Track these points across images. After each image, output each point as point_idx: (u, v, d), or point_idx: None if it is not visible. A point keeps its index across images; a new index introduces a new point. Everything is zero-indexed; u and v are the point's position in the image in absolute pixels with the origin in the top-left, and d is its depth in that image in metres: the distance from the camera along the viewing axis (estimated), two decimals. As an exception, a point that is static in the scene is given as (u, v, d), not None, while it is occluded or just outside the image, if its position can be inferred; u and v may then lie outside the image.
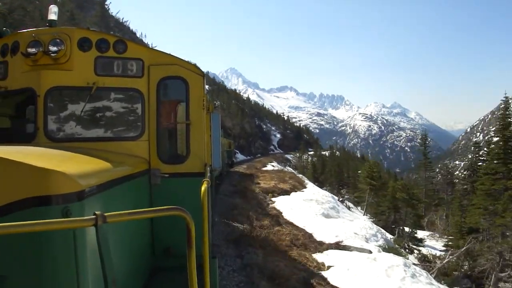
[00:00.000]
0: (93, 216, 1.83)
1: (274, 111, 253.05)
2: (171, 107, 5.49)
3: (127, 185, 4.07)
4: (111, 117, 4.97)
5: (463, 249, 21.96)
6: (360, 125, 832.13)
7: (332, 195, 33.07)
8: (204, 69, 5.94)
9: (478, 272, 21.13)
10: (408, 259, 17.69)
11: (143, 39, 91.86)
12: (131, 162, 4.58)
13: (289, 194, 27.44)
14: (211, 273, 3.19)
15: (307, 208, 22.23)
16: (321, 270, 11.90)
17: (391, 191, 37.97)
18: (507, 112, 33.31)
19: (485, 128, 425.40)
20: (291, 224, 17.70)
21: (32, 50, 4.54)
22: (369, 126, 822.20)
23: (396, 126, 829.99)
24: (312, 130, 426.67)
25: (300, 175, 48.02)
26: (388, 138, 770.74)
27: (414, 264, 15.69)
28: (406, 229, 30.70)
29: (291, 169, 71.91)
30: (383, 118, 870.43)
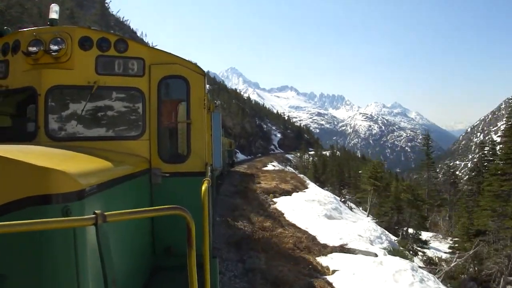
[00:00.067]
0: (93, 215, 1.83)
1: (275, 111, 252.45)
2: (172, 107, 5.50)
3: (128, 184, 4.05)
4: (112, 116, 4.94)
5: (471, 252, 21.41)
6: (361, 125, 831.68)
7: (334, 195, 32.64)
8: (204, 68, 5.89)
9: (486, 275, 20.65)
10: (413, 261, 17.29)
11: (144, 38, 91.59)
12: (131, 162, 4.56)
13: (290, 195, 27.19)
14: (211, 272, 3.20)
15: (309, 209, 21.89)
16: (326, 275, 11.48)
17: (394, 191, 37.44)
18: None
19: (485, 128, 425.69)
20: (294, 225, 17.31)
21: (33, 49, 4.54)
22: (370, 126, 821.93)
23: (396, 126, 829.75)
24: (313, 130, 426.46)
25: (302, 175, 47.57)
26: (388, 138, 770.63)
27: (420, 267, 15.29)
28: (410, 230, 30.26)
29: (291, 169, 71.58)
30: (383, 118, 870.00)
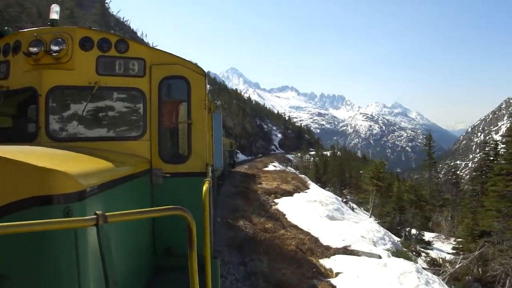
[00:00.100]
0: (94, 216, 1.83)
1: (275, 111, 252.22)
2: (172, 107, 5.48)
3: (129, 184, 4.05)
4: (113, 117, 4.95)
5: (477, 253, 21.13)
6: (361, 125, 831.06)
7: (335, 196, 32.42)
8: (204, 69, 5.86)
9: (490, 276, 20.37)
10: (417, 263, 17.04)
11: (144, 39, 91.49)
12: (132, 162, 4.57)
13: (292, 195, 26.99)
14: (212, 273, 3.23)
15: (311, 209, 21.68)
16: (330, 277, 11.27)
17: (397, 191, 37.11)
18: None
19: (486, 128, 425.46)
20: (296, 227, 17.10)
21: (33, 49, 4.54)
22: (370, 126, 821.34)
23: (397, 126, 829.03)
24: (313, 130, 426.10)
25: (303, 176, 47.32)
26: (389, 138, 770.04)
27: (423, 268, 15.06)
28: (413, 231, 29.97)
29: (292, 169, 71.37)
30: (384, 118, 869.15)
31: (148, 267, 4.82)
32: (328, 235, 15.82)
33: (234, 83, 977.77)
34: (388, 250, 16.09)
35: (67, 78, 4.69)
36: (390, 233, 21.65)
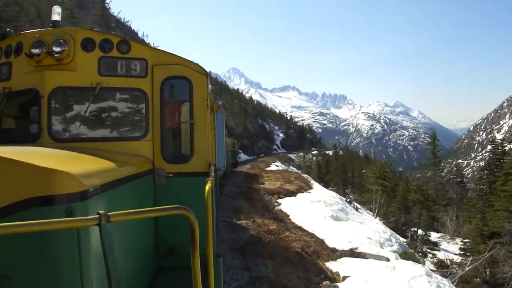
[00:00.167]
0: (97, 216, 1.83)
1: (277, 111, 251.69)
2: (175, 107, 5.52)
3: (131, 184, 4.06)
4: (115, 117, 4.96)
5: (488, 255, 20.62)
6: (363, 124, 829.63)
7: (339, 196, 32.03)
8: (206, 69, 5.78)
9: (501, 278, 19.89)
10: (425, 264, 16.64)
11: (145, 39, 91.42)
12: (135, 162, 4.58)
13: (295, 195, 26.62)
14: (215, 272, 3.28)
15: (315, 210, 21.28)
16: (337, 282, 10.83)
17: (402, 191, 36.58)
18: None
19: (488, 126, 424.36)
20: (300, 228, 16.68)
21: (35, 50, 4.55)
22: (372, 125, 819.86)
23: (398, 125, 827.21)
24: (315, 129, 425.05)
25: (306, 175, 46.94)
26: (391, 137, 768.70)
27: (431, 270, 14.66)
28: (420, 231, 29.50)
29: (295, 169, 71.07)
30: (385, 117, 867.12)
31: (150, 267, 4.85)
32: (333, 237, 15.40)
33: (235, 83, 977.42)
34: (395, 252, 15.68)
35: (69, 79, 4.69)
36: (396, 234, 21.24)
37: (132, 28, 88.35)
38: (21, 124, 5.21)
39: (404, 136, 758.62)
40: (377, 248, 14.79)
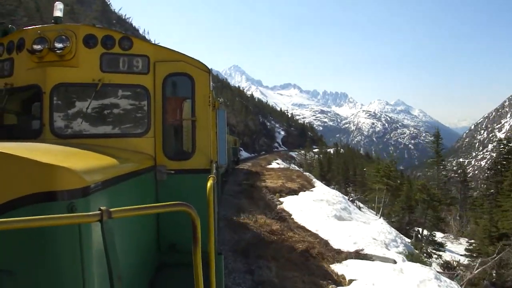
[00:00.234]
0: (98, 212, 1.83)
1: (278, 109, 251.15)
2: (176, 104, 5.48)
3: (133, 181, 4.04)
4: (117, 114, 4.96)
5: (497, 257, 20.14)
6: (364, 123, 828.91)
7: (342, 194, 31.63)
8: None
9: (510, 281, 19.44)
10: (431, 266, 16.21)
11: (146, 36, 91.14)
12: (136, 159, 4.55)
13: (297, 194, 26.36)
14: (216, 269, 3.22)
15: (317, 209, 20.92)
16: (343, 285, 10.43)
17: (406, 190, 36.02)
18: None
19: (489, 125, 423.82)
20: (303, 228, 16.28)
21: (37, 47, 4.52)
22: (373, 123, 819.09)
23: (399, 124, 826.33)
24: (316, 127, 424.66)
25: (307, 173, 46.56)
26: (391, 135, 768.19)
27: (438, 272, 14.26)
28: (425, 232, 29.02)
29: (296, 166, 70.74)
30: (386, 115, 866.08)
31: (152, 264, 4.84)
32: (338, 237, 15.01)
33: (236, 81, 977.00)
34: (401, 253, 15.30)
35: (71, 75, 4.68)
36: (401, 235, 20.84)
37: (133, 24, 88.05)
38: (23, 120, 5.21)
39: (405, 135, 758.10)
40: (383, 249, 14.39)
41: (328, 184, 53.14)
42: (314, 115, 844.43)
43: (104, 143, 4.64)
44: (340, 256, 12.64)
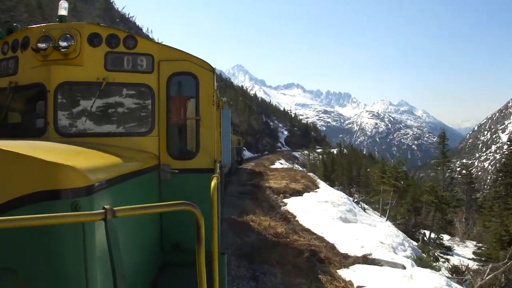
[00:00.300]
0: (102, 210, 1.83)
1: (281, 108, 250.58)
2: (181, 103, 5.53)
3: (137, 180, 4.05)
4: (121, 113, 4.96)
5: (509, 263, 19.61)
6: (367, 123, 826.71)
7: (347, 196, 31.17)
8: None
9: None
10: (440, 270, 15.77)
11: (149, 35, 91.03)
12: (140, 158, 4.57)
13: (301, 195, 25.95)
14: (220, 269, 3.25)
15: (322, 211, 20.48)
16: (350, 292, 9.99)
17: (412, 192, 35.40)
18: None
19: (492, 126, 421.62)
20: (308, 231, 15.83)
21: (42, 45, 4.53)
22: (376, 123, 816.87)
23: (403, 124, 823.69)
24: (319, 127, 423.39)
25: (311, 174, 46.13)
26: (395, 136, 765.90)
27: (447, 277, 13.81)
28: (432, 235, 28.44)
29: (299, 167, 70.33)
30: (390, 116, 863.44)
31: (155, 263, 4.86)
32: (344, 241, 14.55)
33: (240, 80, 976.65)
34: (409, 257, 14.84)
35: (76, 74, 4.69)
36: (408, 238, 20.36)
37: (137, 23, 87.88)
38: (27, 119, 5.22)
39: (408, 135, 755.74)
40: (391, 254, 13.92)
41: (332, 184, 52.67)
42: (317, 115, 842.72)
43: (108, 142, 4.63)
44: (347, 261, 12.20)
